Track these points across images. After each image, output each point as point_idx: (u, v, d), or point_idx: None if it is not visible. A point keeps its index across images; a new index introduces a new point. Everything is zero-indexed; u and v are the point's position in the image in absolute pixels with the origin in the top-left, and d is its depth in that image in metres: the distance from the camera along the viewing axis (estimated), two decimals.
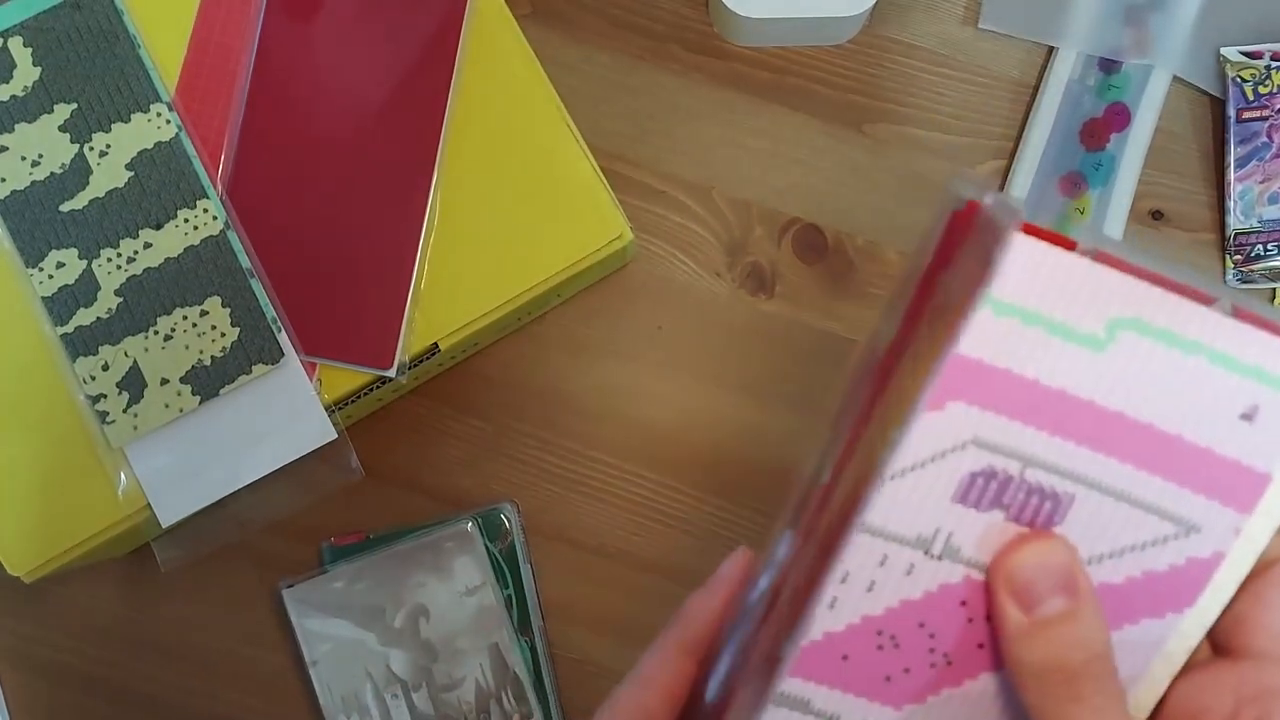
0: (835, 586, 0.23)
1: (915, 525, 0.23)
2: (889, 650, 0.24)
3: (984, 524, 0.23)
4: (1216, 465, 0.22)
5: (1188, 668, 0.25)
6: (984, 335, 0.22)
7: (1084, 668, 0.22)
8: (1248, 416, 0.22)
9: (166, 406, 0.38)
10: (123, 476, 0.38)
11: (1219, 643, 0.25)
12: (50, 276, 0.39)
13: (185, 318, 0.39)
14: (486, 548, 0.44)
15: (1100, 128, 0.49)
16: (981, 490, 0.23)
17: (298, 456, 0.38)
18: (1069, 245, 0.22)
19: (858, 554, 0.23)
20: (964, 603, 0.24)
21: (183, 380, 0.38)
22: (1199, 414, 0.22)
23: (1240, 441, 0.22)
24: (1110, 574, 0.24)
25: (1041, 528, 0.23)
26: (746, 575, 0.26)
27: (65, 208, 0.39)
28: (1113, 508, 0.23)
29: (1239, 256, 0.49)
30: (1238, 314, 0.22)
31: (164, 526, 0.38)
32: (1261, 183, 0.49)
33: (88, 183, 0.39)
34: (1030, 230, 0.22)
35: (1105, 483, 0.23)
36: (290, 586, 0.43)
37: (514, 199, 0.41)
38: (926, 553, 0.24)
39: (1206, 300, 0.22)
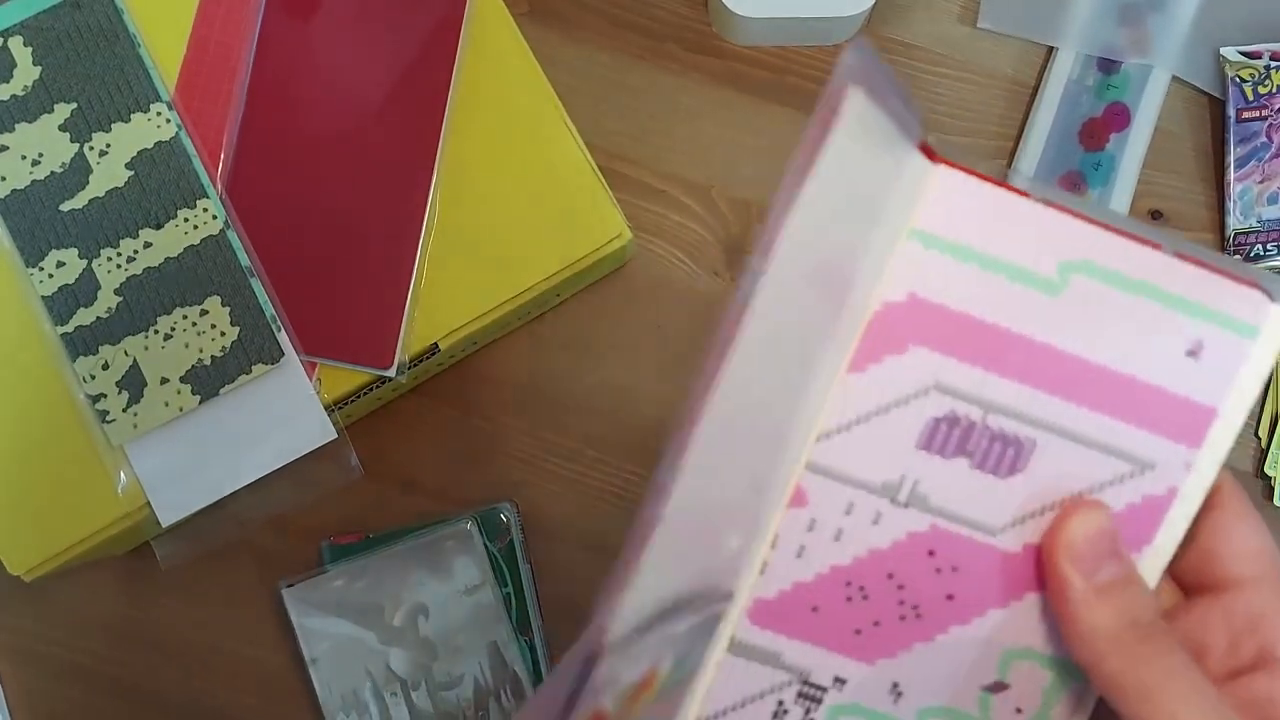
0: (802, 534, 0.23)
1: (881, 471, 0.23)
2: (858, 602, 0.24)
3: (950, 471, 0.23)
4: (1167, 403, 0.23)
5: (1171, 613, 0.25)
6: (926, 272, 0.22)
7: (1154, 622, 0.23)
8: (1193, 353, 0.23)
9: (166, 405, 0.38)
10: (122, 475, 0.38)
11: (1191, 584, 0.25)
12: (50, 276, 0.39)
13: (185, 317, 0.39)
14: (486, 547, 0.44)
15: (1099, 128, 0.49)
16: (946, 436, 0.23)
17: (297, 456, 0.39)
18: (1022, 194, 0.22)
19: (820, 499, 0.23)
20: (932, 552, 0.24)
21: (183, 379, 0.38)
22: (1149, 354, 0.23)
23: (1188, 378, 0.23)
24: None
25: (1006, 474, 0.23)
26: None
27: (65, 207, 0.39)
28: (1073, 451, 0.23)
29: (1238, 256, 0.49)
30: (1181, 259, 0.23)
31: (164, 526, 0.38)
32: (1261, 183, 0.49)
33: (88, 182, 0.39)
34: (973, 174, 0.22)
35: (1065, 426, 0.23)
36: (290, 585, 0.43)
37: (513, 199, 0.42)
38: (893, 500, 0.24)
39: (1155, 247, 0.23)
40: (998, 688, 0.24)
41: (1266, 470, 0.48)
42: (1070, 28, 0.50)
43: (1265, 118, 0.49)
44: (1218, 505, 0.24)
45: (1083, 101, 0.50)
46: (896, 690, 0.24)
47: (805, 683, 0.24)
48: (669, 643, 0.21)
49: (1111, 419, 0.23)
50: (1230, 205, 0.49)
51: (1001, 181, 0.23)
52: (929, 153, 0.23)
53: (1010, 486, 0.23)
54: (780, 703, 0.24)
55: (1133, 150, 0.49)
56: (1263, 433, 0.49)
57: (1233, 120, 0.49)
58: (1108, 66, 0.50)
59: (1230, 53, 0.50)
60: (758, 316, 0.19)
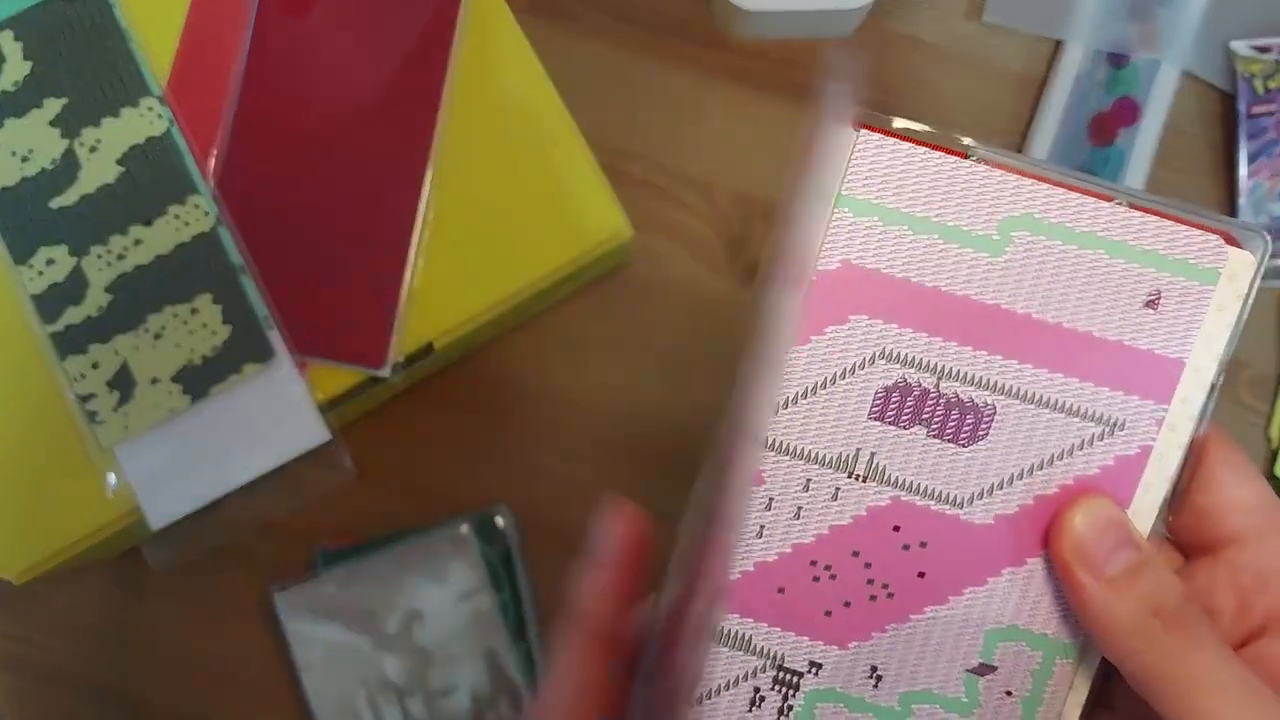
0: (760, 513, 0.23)
1: (834, 445, 0.23)
2: (826, 582, 0.24)
3: (907, 442, 0.23)
4: (1129, 358, 0.23)
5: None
6: (859, 239, 0.22)
7: (1182, 606, 0.22)
8: (1152, 304, 0.22)
9: (157, 406, 0.38)
10: (112, 477, 0.38)
11: (1189, 545, 0.24)
12: (40, 274, 0.38)
13: (176, 315, 0.38)
14: (482, 551, 0.43)
15: (1108, 123, 0.49)
16: (899, 406, 0.23)
17: (290, 458, 0.38)
18: (960, 155, 0.22)
19: (778, 478, 0.23)
20: (897, 528, 0.23)
21: (173, 379, 0.38)
22: (1105, 308, 0.22)
23: (1149, 331, 0.22)
24: (1043, 486, 0.23)
25: (967, 443, 0.23)
26: (637, 534, 0.24)
27: (55, 204, 0.39)
28: (1035, 415, 0.23)
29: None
30: (1134, 209, 0.22)
31: (154, 529, 0.38)
32: (1271, 178, 0.48)
33: (78, 178, 0.39)
34: (902, 137, 0.22)
35: (1024, 390, 0.23)
36: (282, 590, 0.42)
37: (510, 195, 0.41)
38: (850, 474, 0.23)
39: (1104, 198, 0.22)
40: (983, 670, 0.24)
41: (1276, 472, 0.48)
42: (1079, 22, 0.49)
43: (1275, 113, 0.48)
44: (1208, 460, 0.23)
45: (1091, 96, 0.49)
46: (875, 674, 0.24)
47: (780, 668, 0.24)
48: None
49: (1072, 380, 0.23)
50: (1241, 201, 0.49)
51: (930, 143, 0.22)
52: (857, 122, 0.23)
53: (973, 455, 0.23)
54: (756, 689, 0.24)
55: (1142, 146, 0.48)
56: (1273, 433, 0.48)
57: (1243, 116, 0.49)
58: (1117, 61, 0.49)
59: (1241, 47, 0.49)
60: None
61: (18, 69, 0.39)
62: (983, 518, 0.23)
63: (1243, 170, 0.48)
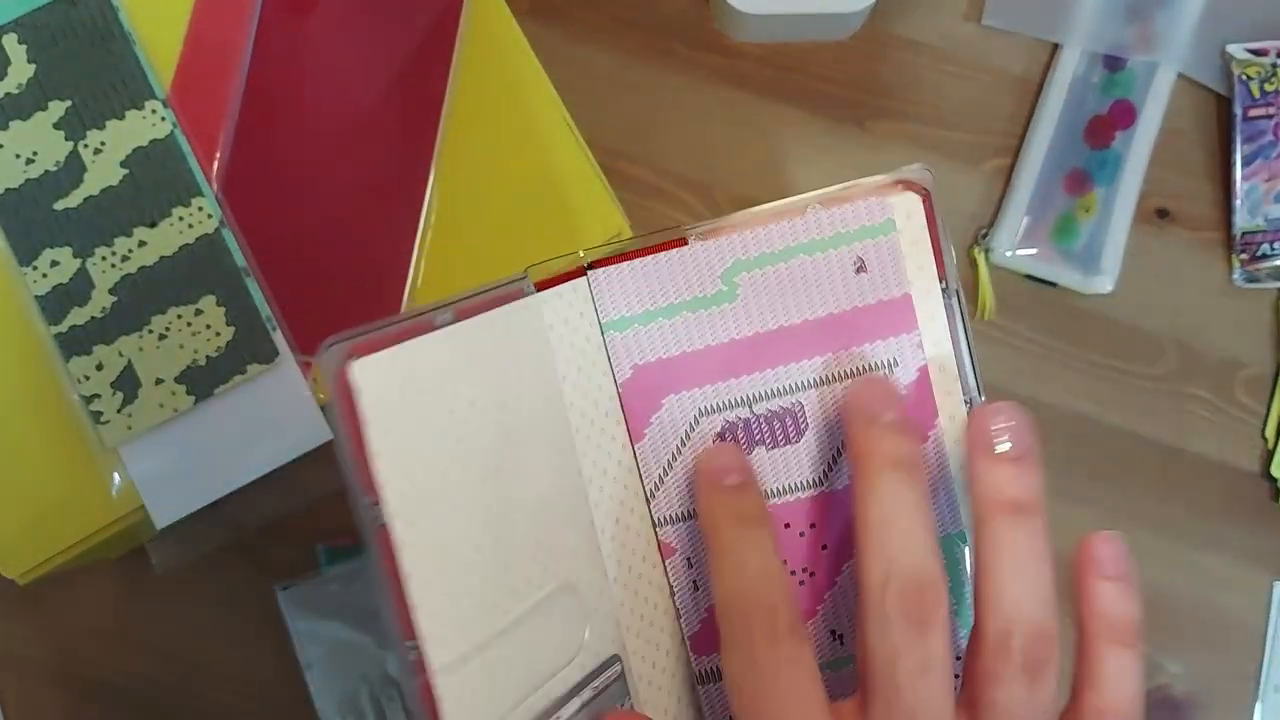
0: (687, 573, 0.27)
1: None
2: None
3: (757, 462, 0.27)
4: (868, 314, 0.27)
5: None
6: (634, 346, 0.27)
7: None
8: (861, 270, 0.27)
9: (161, 406, 0.38)
10: (117, 477, 0.38)
11: None
12: (44, 275, 0.38)
13: (180, 317, 0.38)
14: None
15: (1105, 125, 0.49)
16: (736, 441, 0.27)
17: (293, 457, 0.38)
18: (680, 243, 0.27)
19: (683, 541, 0.27)
20: (788, 525, 0.27)
21: (177, 380, 0.38)
22: (831, 292, 0.27)
23: (870, 288, 0.27)
24: None
25: (797, 439, 0.27)
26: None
27: (59, 206, 0.39)
28: (831, 392, 0.27)
29: (1245, 255, 0.49)
30: (821, 206, 0.27)
31: (158, 528, 0.38)
32: (1268, 181, 0.49)
33: (82, 180, 0.39)
34: (617, 260, 0.27)
35: (811, 379, 0.27)
36: (285, 588, 0.42)
37: (512, 197, 0.41)
38: None
39: (796, 214, 0.27)
40: None
41: (1273, 472, 0.48)
42: (1076, 24, 0.50)
43: (1272, 115, 0.49)
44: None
45: (1088, 99, 0.49)
46: (836, 636, 0.28)
47: None
48: None
49: (840, 353, 0.27)
50: (1237, 204, 0.49)
51: (651, 247, 0.27)
52: (540, 285, 0.26)
53: (807, 443, 0.27)
54: None
55: (1138, 148, 0.49)
56: (1269, 433, 0.49)
57: (1239, 118, 0.49)
58: (1113, 63, 0.49)
59: (1237, 50, 0.50)
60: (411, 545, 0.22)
61: (22, 71, 0.40)
62: (840, 483, 0.28)
63: (1239, 172, 0.49)
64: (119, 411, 0.38)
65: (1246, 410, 0.49)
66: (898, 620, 0.23)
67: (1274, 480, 0.48)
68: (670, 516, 0.27)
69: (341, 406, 0.21)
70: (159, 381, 0.38)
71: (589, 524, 0.26)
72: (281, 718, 0.44)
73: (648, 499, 0.27)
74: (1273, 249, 0.48)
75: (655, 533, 0.27)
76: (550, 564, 0.25)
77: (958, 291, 0.27)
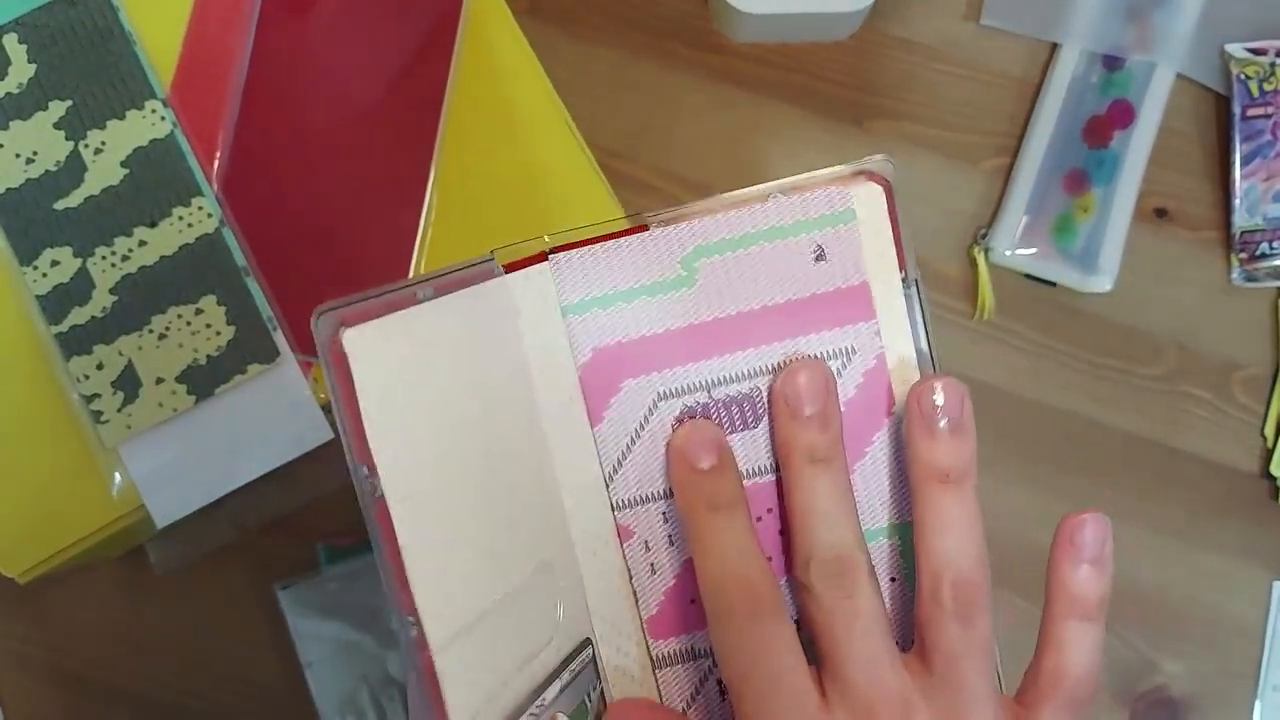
0: (644, 556, 0.27)
1: (665, 479, 0.27)
2: None
3: None
4: (827, 301, 0.27)
5: None
6: (594, 329, 0.27)
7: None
8: (821, 257, 0.27)
9: (161, 406, 0.38)
10: (117, 476, 0.38)
11: None
12: (44, 275, 0.38)
13: (180, 316, 0.38)
14: None
15: (1104, 125, 0.49)
16: None
17: (294, 456, 0.38)
18: (641, 229, 0.27)
19: (640, 524, 0.27)
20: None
21: (178, 379, 0.38)
22: (789, 278, 0.27)
23: (829, 275, 0.27)
24: None
25: (754, 425, 0.27)
26: None
27: (60, 205, 0.39)
28: None
29: (1244, 254, 0.49)
30: (782, 195, 0.27)
31: (159, 527, 0.38)
32: (1266, 180, 0.49)
33: (82, 180, 0.39)
34: (570, 247, 0.27)
35: (769, 366, 0.27)
36: (286, 588, 0.42)
37: (511, 196, 0.41)
38: None
39: (760, 200, 0.27)
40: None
41: (1272, 471, 0.48)
42: (1074, 24, 0.50)
43: (1271, 115, 0.49)
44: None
45: (1087, 98, 0.49)
46: (792, 619, 0.27)
47: None
48: (552, 708, 0.24)
49: (799, 339, 0.27)
50: (1236, 203, 0.49)
51: (608, 234, 0.27)
52: (509, 268, 0.27)
53: (764, 430, 0.27)
54: (719, 682, 0.27)
55: (1137, 148, 0.49)
56: (1268, 432, 0.49)
57: (1238, 117, 0.49)
58: (1112, 63, 0.49)
59: (1235, 49, 0.50)
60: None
61: (22, 71, 0.40)
62: None
63: (1237, 172, 0.49)
64: (119, 411, 0.38)
65: (1245, 410, 0.49)
66: (824, 592, 0.25)
67: (1273, 479, 0.48)
68: (628, 500, 0.27)
69: (336, 374, 0.22)
70: (159, 381, 0.38)
71: (560, 505, 0.27)
72: (281, 718, 0.44)
73: (606, 483, 0.27)
74: (1271, 248, 0.48)
75: (614, 516, 0.27)
76: (530, 542, 0.25)
77: (917, 281, 0.27)
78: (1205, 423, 0.49)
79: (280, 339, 0.38)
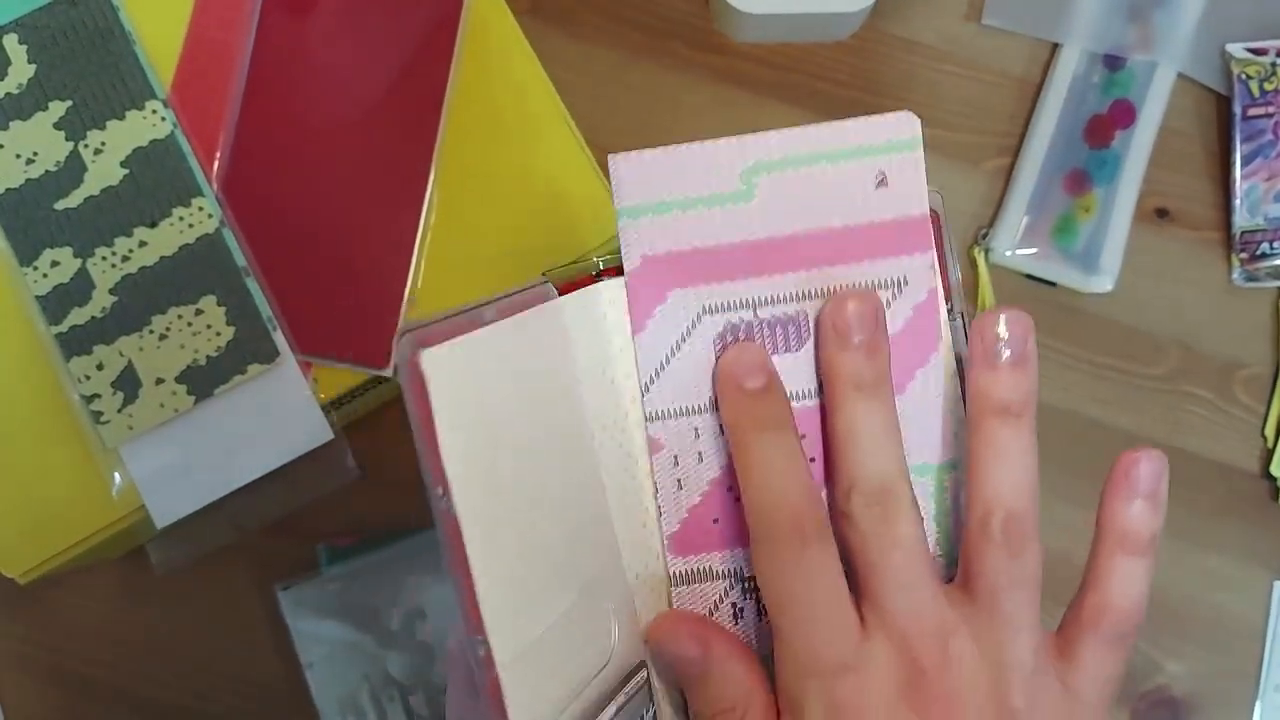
0: (672, 470, 0.27)
1: (701, 393, 0.27)
2: None
3: None
4: (884, 230, 0.26)
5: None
6: (646, 236, 0.26)
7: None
8: (882, 184, 0.26)
9: (161, 406, 0.38)
10: (117, 477, 0.38)
11: None
12: (44, 275, 0.38)
13: (180, 317, 0.38)
14: None
15: (1105, 125, 0.49)
16: (736, 343, 0.27)
17: (294, 457, 0.38)
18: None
19: (671, 438, 0.27)
20: None
21: (178, 380, 0.38)
22: (848, 203, 0.26)
23: (889, 203, 0.26)
24: None
25: (797, 348, 0.27)
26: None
27: (60, 206, 0.39)
28: None
29: (1245, 254, 0.49)
30: (840, 121, 0.26)
31: (159, 527, 0.38)
32: (1267, 180, 0.49)
33: (82, 180, 0.39)
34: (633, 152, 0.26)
35: (819, 289, 0.26)
36: (286, 588, 0.42)
37: (511, 196, 0.41)
38: None
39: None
40: None
41: (1272, 471, 0.48)
42: (1075, 24, 0.50)
43: (1272, 115, 0.49)
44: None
45: (1088, 98, 0.49)
46: None
47: (744, 579, 0.27)
48: None
49: (851, 266, 0.26)
50: (1237, 203, 0.49)
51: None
52: (561, 290, 0.26)
53: (806, 355, 0.27)
54: (734, 605, 0.27)
55: (1138, 147, 0.49)
56: (1269, 432, 0.49)
57: (1239, 117, 0.49)
58: (1113, 63, 0.49)
59: (1236, 49, 0.50)
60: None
61: (22, 71, 0.40)
62: None
63: (1238, 172, 0.49)
64: (119, 411, 0.38)
65: (1246, 410, 0.49)
66: (863, 518, 0.25)
67: (1274, 480, 0.48)
68: (662, 412, 0.27)
69: (414, 395, 0.22)
70: (159, 381, 0.38)
71: (610, 525, 0.26)
72: (281, 718, 0.44)
73: (642, 393, 0.26)
74: (1272, 248, 0.48)
75: (646, 428, 0.27)
76: (586, 562, 0.25)
77: (939, 210, 0.27)
78: (1206, 423, 0.49)
79: (280, 339, 0.38)
